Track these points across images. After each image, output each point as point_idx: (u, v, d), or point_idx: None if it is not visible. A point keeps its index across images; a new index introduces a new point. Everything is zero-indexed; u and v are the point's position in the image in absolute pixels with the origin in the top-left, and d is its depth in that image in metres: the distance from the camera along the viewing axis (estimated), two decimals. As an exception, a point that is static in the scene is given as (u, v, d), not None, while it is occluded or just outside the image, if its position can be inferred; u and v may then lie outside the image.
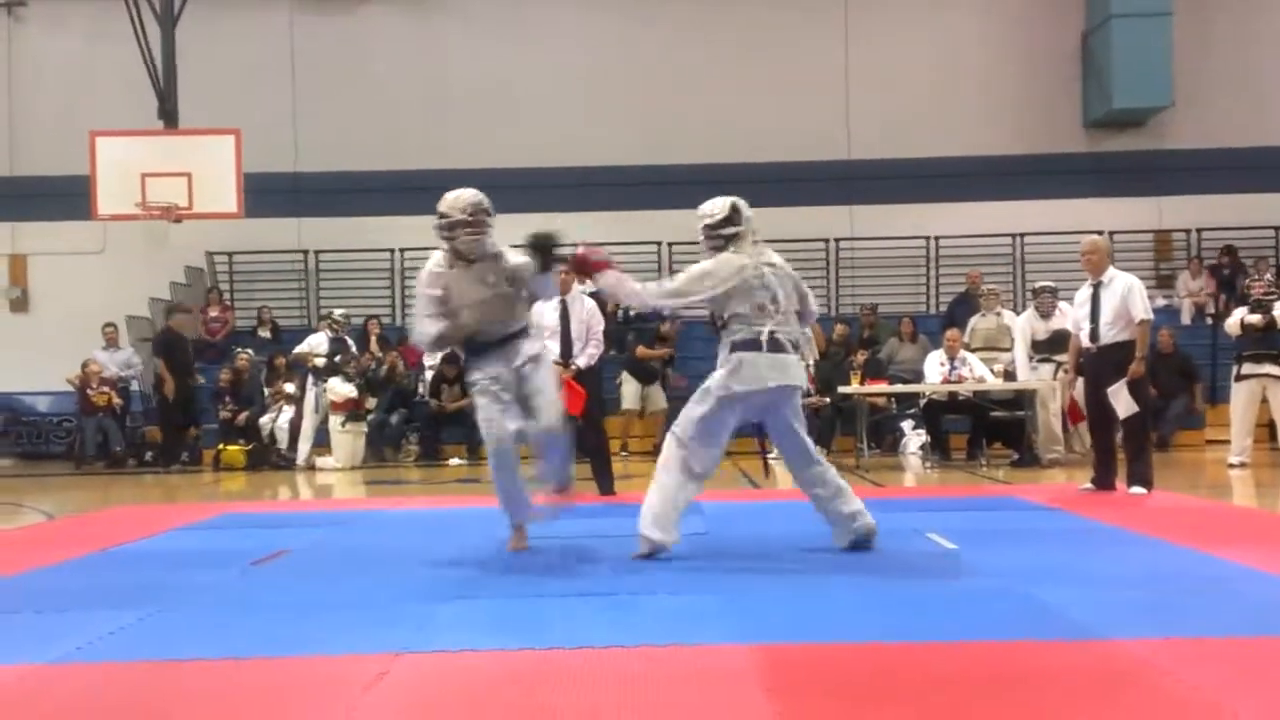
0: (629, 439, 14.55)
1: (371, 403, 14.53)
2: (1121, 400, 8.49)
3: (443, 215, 6.07)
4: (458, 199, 6.11)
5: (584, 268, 6.12)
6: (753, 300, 5.86)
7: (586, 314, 9.23)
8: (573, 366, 9.09)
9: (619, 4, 18.25)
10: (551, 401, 6.13)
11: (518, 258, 6.11)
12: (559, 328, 9.04)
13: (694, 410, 5.94)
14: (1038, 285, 12.73)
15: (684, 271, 6.08)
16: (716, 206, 6.02)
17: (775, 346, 5.87)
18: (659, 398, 14.81)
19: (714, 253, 5.99)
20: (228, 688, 3.64)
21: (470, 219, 6.03)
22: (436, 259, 6.15)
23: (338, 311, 14.77)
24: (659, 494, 5.90)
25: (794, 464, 6.13)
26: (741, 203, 6.04)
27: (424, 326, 6.15)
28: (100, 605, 4.93)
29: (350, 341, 14.48)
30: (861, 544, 5.93)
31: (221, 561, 6.02)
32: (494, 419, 6.02)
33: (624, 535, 6.83)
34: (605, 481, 9.29)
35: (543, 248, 6.09)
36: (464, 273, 6.06)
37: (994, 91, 17.94)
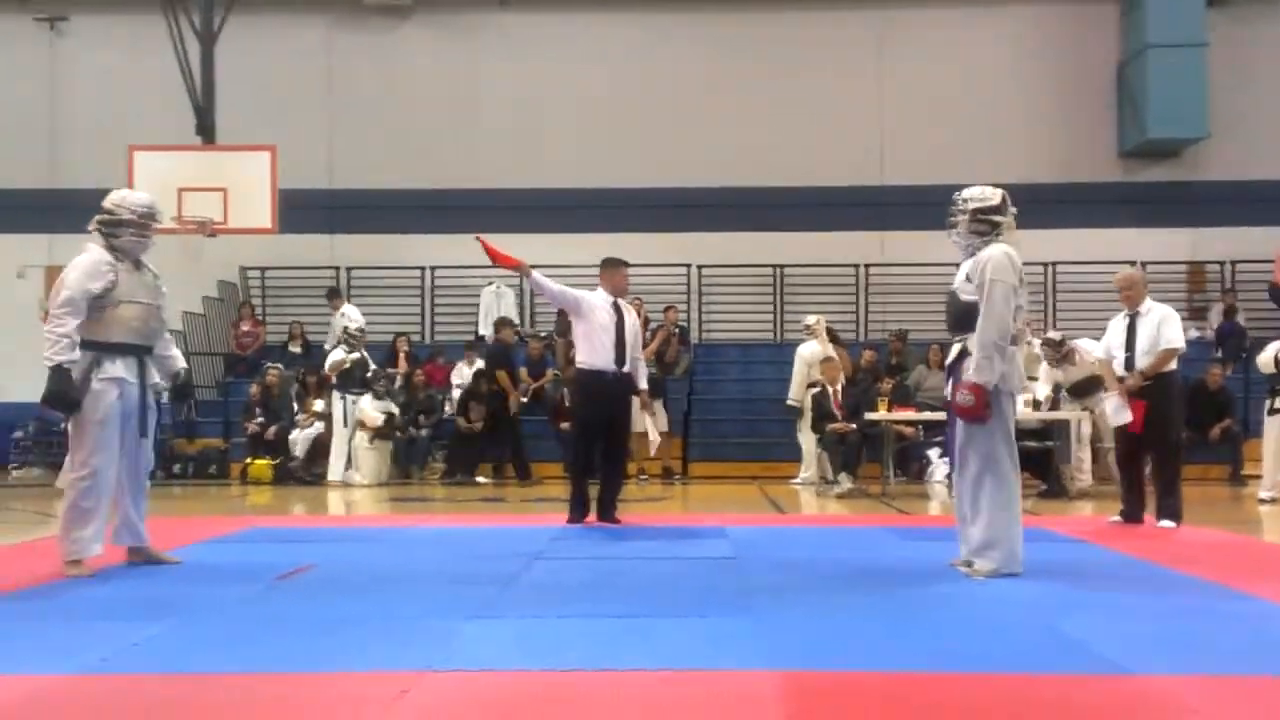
0: (644, 461, 14.37)
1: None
2: (1113, 410, 8.58)
3: (108, 212, 6.13)
4: (126, 199, 6.22)
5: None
6: (1024, 294, 5.97)
7: (635, 322, 9.00)
8: (643, 395, 9.00)
9: (654, 28, 18.34)
10: (150, 448, 6.26)
11: (164, 289, 6.34)
12: (615, 333, 8.67)
13: (1000, 420, 5.89)
14: (1044, 337, 12.47)
15: (986, 300, 5.79)
16: (986, 192, 6.05)
17: (1020, 341, 6.02)
18: (663, 416, 14.65)
19: (974, 237, 5.99)
20: (251, 702, 3.64)
21: (138, 220, 6.13)
22: (97, 253, 6.06)
23: (352, 325, 14.82)
24: (1013, 520, 5.90)
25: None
26: (1006, 195, 6.07)
27: (69, 323, 5.82)
28: (125, 617, 4.95)
29: (366, 355, 14.45)
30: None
31: (246, 576, 6.04)
32: (113, 443, 5.99)
33: (649, 558, 6.83)
34: (610, 508, 8.83)
35: (181, 391, 6.57)
36: (131, 273, 6.11)
37: (1029, 120, 17.91)
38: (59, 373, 5.84)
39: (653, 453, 8.77)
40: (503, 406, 14.42)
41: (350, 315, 16.09)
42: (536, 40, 18.33)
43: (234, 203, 13.94)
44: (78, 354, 5.88)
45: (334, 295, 16.81)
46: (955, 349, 6.08)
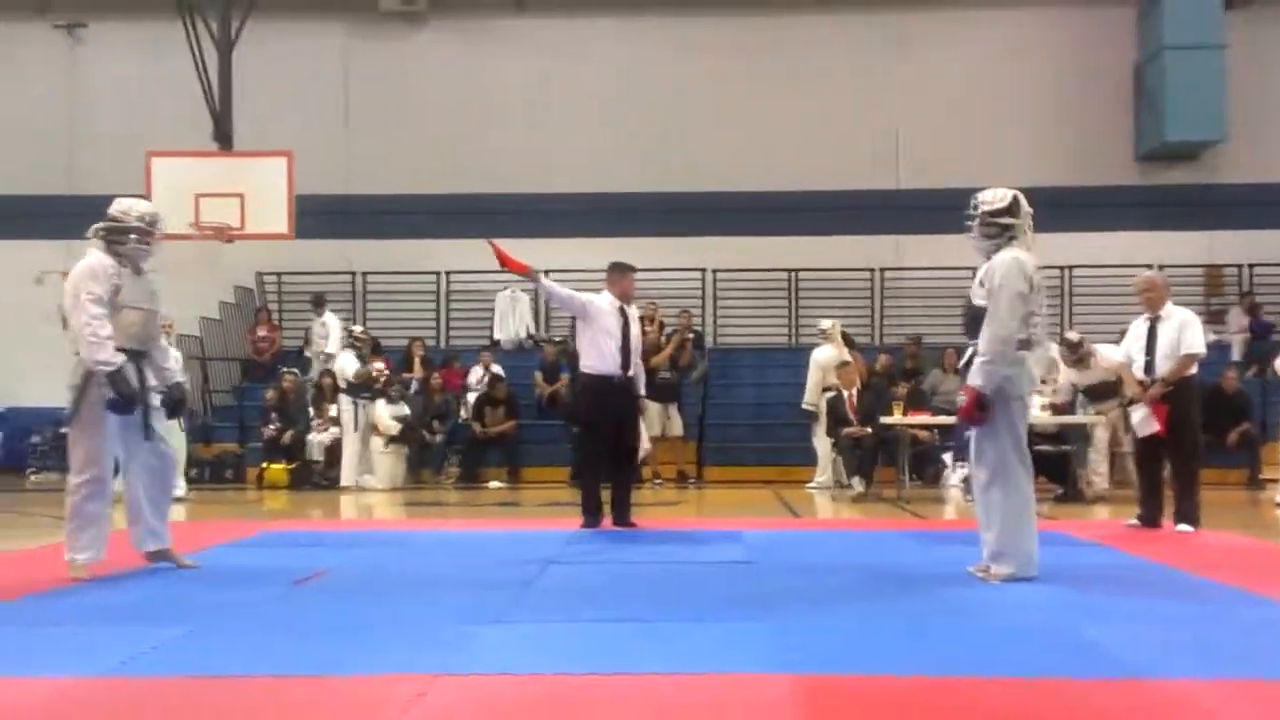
0: (659, 465, 14.33)
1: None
2: (1140, 420, 8.51)
3: (114, 219, 6.18)
4: (133, 207, 6.26)
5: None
6: (1038, 299, 5.89)
7: (637, 326, 8.99)
8: (640, 402, 8.98)
9: (668, 32, 18.35)
10: (165, 448, 6.32)
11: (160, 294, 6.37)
12: (620, 338, 8.65)
13: (1009, 425, 5.85)
14: (1062, 337, 12.40)
15: (993, 306, 5.78)
16: (997, 194, 5.98)
17: (1034, 345, 5.93)
18: (678, 421, 14.67)
19: (986, 240, 5.94)
20: (268, 705, 3.66)
21: (143, 228, 6.19)
22: (101, 258, 6.11)
23: (356, 328, 14.83)
24: (1027, 523, 5.86)
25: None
26: (1022, 196, 5.98)
27: (103, 326, 5.92)
28: (143, 621, 4.98)
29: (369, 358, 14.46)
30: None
31: (263, 580, 6.07)
32: (106, 448, 6.03)
33: (664, 562, 6.84)
34: (624, 512, 8.80)
35: (173, 407, 6.48)
36: (133, 279, 6.17)
37: (1045, 123, 17.86)
38: (118, 374, 5.95)
39: (644, 458, 8.84)
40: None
41: (331, 324, 16.18)
42: (551, 45, 18.35)
43: (250, 208, 13.98)
44: (122, 355, 5.99)
45: (319, 303, 16.77)
46: (967, 353, 6.08)
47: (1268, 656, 4.22)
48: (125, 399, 5.96)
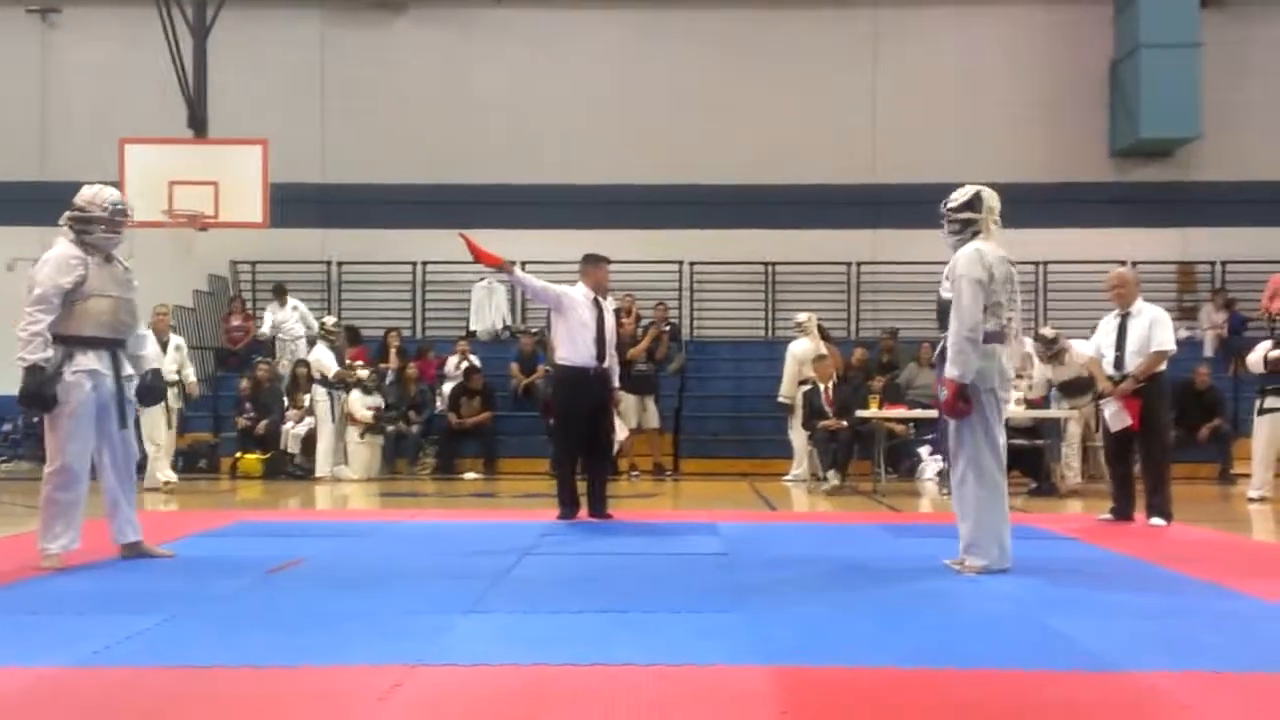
0: (636, 458, 14.36)
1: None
2: (1111, 414, 8.59)
3: (79, 209, 6.15)
4: (97, 195, 6.23)
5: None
6: (1006, 290, 5.95)
7: (611, 318, 8.98)
8: (616, 394, 9.00)
9: (648, 24, 18.34)
10: (132, 439, 6.30)
11: (135, 283, 6.32)
12: (595, 330, 8.65)
13: (982, 418, 5.90)
14: (1037, 333, 12.43)
15: (955, 291, 5.89)
16: (961, 191, 6.11)
17: (1007, 339, 5.99)
18: (654, 413, 14.68)
19: (952, 236, 6.06)
20: (243, 695, 3.65)
21: (109, 217, 6.16)
22: (66, 248, 6.10)
23: (329, 320, 14.77)
24: (1001, 516, 5.93)
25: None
26: (987, 192, 6.08)
27: (42, 320, 5.91)
28: (118, 610, 4.95)
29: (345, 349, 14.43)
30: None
31: (238, 569, 6.04)
32: (77, 438, 5.99)
33: (640, 554, 6.85)
34: (600, 504, 8.85)
35: (147, 392, 6.41)
36: (101, 267, 6.14)
37: (1021, 119, 17.94)
38: (34, 371, 5.89)
39: (619, 450, 8.84)
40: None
41: (304, 311, 16.17)
42: (530, 36, 18.31)
43: (225, 196, 13.89)
44: (51, 352, 5.93)
45: (280, 293, 16.66)
46: (940, 346, 6.15)
47: (1238, 649, 4.26)
48: (31, 397, 5.90)
